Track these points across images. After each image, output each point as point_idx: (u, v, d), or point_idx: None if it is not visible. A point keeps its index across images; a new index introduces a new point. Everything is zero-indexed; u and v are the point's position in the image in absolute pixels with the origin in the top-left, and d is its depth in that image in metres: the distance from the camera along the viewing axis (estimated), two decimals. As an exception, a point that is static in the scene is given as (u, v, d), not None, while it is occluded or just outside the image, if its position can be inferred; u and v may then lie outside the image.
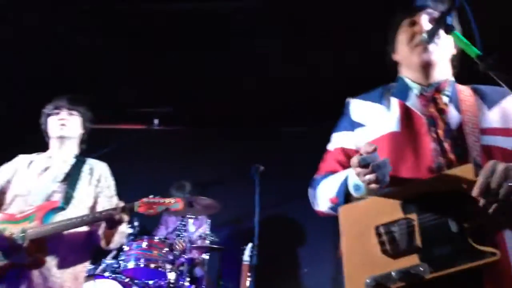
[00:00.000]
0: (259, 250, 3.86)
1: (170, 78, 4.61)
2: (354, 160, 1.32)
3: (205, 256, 4.35)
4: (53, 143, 2.65)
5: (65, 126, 2.61)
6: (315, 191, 1.65)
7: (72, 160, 2.61)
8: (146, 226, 4.44)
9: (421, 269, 1.21)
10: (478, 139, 1.43)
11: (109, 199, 2.55)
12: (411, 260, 1.24)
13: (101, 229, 2.42)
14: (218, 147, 5.15)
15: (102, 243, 2.45)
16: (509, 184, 1.18)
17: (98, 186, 2.57)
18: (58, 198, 2.43)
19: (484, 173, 1.21)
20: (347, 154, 1.64)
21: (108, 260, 3.95)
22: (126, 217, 2.30)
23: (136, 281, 3.84)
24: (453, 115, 1.51)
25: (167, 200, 2.33)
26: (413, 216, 1.28)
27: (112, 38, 4.10)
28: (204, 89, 4.80)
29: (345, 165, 1.61)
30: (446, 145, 1.45)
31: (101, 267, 3.89)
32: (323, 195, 1.59)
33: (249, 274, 3.69)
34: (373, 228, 1.31)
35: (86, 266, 2.55)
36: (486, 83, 1.52)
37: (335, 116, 1.77)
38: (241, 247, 3.95)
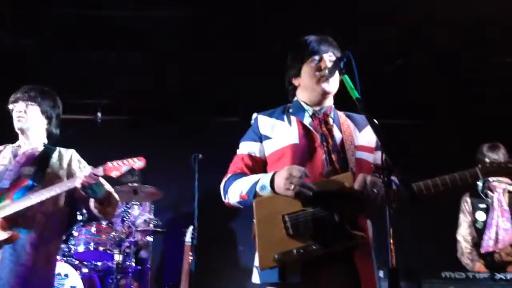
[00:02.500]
0: (198, 232, 4.22)
1: (110, 71, 4.84)
2: (296, 173, 1.72)
3: (150, 239, 4.74)
4: (19, 135, 2.73)
5: (22, 118, 2.65)
6: (229, 188, 1.97)
7: (41, 148, 2.69)
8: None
9: (314, 247, 1.71)
10: (354, 154, 1.94)
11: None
12: (307, 241, 1.72)
13: (92, 203, 2.54)
14: (157, 137, 5.46)
15: (100, 216, 2.60)
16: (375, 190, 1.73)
17: (72, 169, 2.64)
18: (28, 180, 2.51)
19: (361, 182, 1.75)
20: (253, 159, 2.02)
21: (59, 245, 4.23)
22: (96, 181, 2.37)
23: (85, 263, 4.17)
24: (337, 134, 1.99)
25: (130, 161, 2.42)
26: (309, 209, 1.76)
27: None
28: (141, 82, 5.07)
29: (251, 168, 2.00)
30: (333, 156, 1.92)
31: (51, 251, 4.17)
32: (236, 192, 1.93)
33: (190, 253, 4.07)
34: (279, 217, 1.76)
35: (59, 248, 2.66)
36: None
37: (261, 109, 2.14)
38: (183, 230, 4.32)
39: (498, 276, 2.79)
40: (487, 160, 3.30)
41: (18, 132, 2.72)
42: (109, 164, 2.39)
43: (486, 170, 1.77)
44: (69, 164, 2.66)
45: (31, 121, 2.68)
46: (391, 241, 1.42)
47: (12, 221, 2.39)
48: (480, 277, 2.85)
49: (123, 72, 4.81)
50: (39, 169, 2.55)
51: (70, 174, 2.62)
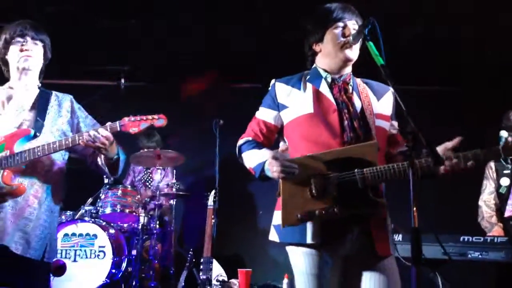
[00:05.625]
0: (220, 196, 4.31)
1: (133, 37, 4.88)
2: (273, 163, 1.81)
3: (172, 202, 4.88)
4: (13, 73, 2.42)
5: (30, 58, 2.37)
6: (242, 153, 2.10)
7: (37, 91, 2.45)
8: (119, 178, 4.86)
9: (335, 210, 1.78)
10: (374, 122, 1.96)
11: (93, 127, 2.37)
12: (330, 203, 1.79)
13: (101, 160, 2.39)
14: (179, 103, 5.53)
15: (108, 173, 2.42)
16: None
17: (75, 117, 2.44)
18: (27, 127, 2.32)
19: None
20: (268, 127, 2.09)
21: (87, 206, 4.40)
22: (110, 137, 2.21)
23: (112, 224, 4.34)
24: (356, 101, 2.01)
25: (149, 117, 2.28)
26: (334, 173, 1.81)
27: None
28: (164, 48, 5.10)
29: (265, 134, 2.09)
30: (355, 124, 1.94)
31: (80, 212, 4.34)
32: (246, 162, 2.07)
33: (212, 217, 4.19)
34: (306, 178, 1.82)
35: (62, 199, 2.43)
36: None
37: (281, 76, 2.16)
38: (204, 194, 4.43)
39: (517, 240, 2.84)
40: None
41: (15, 70, 2.40)
42: (126, 119, 2.26)
43: (509, 149, 1.75)
44: (72, 111, 2.44)
45: (37, 62, 2.43)
46: (414, 204, 1.46)
47: (16, 173, 2.23)
48: (499, 241, 2.89)
49: (147, 38, 4.85)
50: (39, 115, 2.34)
51: (74, 123, 2.43)
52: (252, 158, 2.04)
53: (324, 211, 1.78)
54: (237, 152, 2.15)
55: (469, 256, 2.91)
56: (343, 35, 2.02)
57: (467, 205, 3.88)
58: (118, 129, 2.23)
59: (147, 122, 2.27)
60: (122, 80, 5.10)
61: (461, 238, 2.96)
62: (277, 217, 2.00)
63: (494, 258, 2.84)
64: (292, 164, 1.80)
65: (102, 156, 2.36)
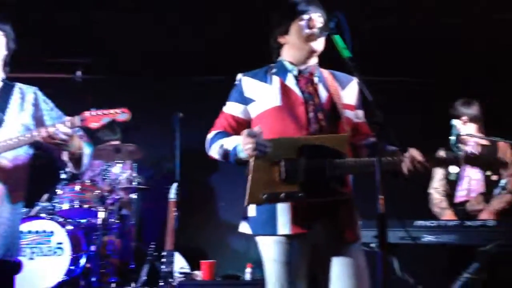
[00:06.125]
0: (180, 188, 4.28)
1: (90, 30, 4.77)
2: (247, 139, 1.78)
3: (132, 196, 4.82)
4: None
5: None
6: (212, 144, 2.07)
7: (0, 84, 2.33)
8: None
9: (300, 195, 1.83)
10: (343, 112, 2.04)
11: (58, 120, 2.26)
12: (296, 188, 1.83)
13: (65, 155, 2.28)
14: (139, 96, 5.45)
15: (72, 169, 2.34)
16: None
17: (39, 110, 2.32)
18: None
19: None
20: (237, 121, 2.09)
21: (43, 203, 4.28)
22: (69, 133, 2.13)
23: (70, 220, 4.24)
24: (322, 92, 2.07)
25: (112, 111, 2.19)
26: (303, 159, 1.85)
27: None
28: (123, 40, 5.02)
29: (234, 128, 2.07)
30: (320, 115, 2.01)
31: (35, 209, 4.22)
32: (219, 151, 2.03)
33: (175, 209, 4.17)
34: (276, 160, 1.82)
35: (24, 196, 2.32)
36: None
37: (244, 69, 2.19)
38: (166, 187, 4.39)
39: (467, 223, 2.99)
40: (462, 116, 3.50)
41: None
42: (86, 113, 2.16)
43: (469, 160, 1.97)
44: (35, 105, 2.32)
45: None
46: (381, 192, 1.56)
47: None
48: (451, 225, 3.04)
49: (104, 30, 4.75)
50: (0, 110, 2.24)
51: (38, 116, 2.31)
52: (226, 145, 2.01)
53: (289, 195, 1.82)
54: (208, 145, 2.12)
55: (423, 239, 3.04)
56: (308, 27, 2.06)
57: (422, 192, 4.04)
58: (78, 124, 2.15)
59: (109, 117, 2.18)
60: (79, 73, 4.95)
61: (416, 223, 3.09)
62: (248, 209, 2.03)
63: (447, 240, 2.99)
64: (265, 143, 1.79)
65: (66, 153, 2.27)
